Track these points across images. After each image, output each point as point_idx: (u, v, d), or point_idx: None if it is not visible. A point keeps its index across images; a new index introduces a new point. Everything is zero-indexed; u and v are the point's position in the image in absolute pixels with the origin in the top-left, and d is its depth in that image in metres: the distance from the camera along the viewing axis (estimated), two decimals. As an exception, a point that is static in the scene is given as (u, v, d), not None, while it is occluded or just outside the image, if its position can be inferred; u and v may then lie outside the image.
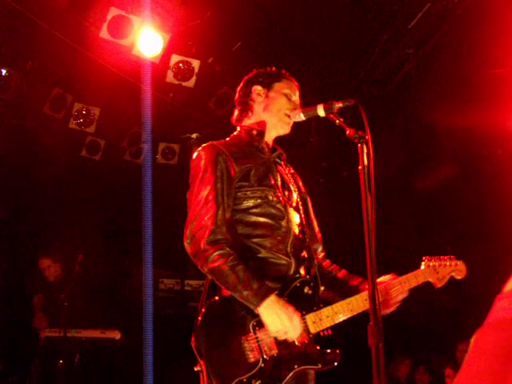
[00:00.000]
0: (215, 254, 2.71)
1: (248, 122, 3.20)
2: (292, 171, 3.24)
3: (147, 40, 6.06)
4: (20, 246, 7.43)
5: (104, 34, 5.94)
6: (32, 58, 6.58)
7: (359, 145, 2.54)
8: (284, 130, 3.17)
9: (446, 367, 6.53)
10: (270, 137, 3.19)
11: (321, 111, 2.83)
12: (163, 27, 6.12)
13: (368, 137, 2.55)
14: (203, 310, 2.71)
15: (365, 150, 2.53)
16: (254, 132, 3.12)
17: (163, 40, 6.15)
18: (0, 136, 7.22)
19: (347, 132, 2.62)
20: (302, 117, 3.01)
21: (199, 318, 2.68)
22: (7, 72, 6.55)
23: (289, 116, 3.10)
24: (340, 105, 2.79)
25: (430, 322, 7.50)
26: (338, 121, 2.75)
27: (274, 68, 3.29)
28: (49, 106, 6.98)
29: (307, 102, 3.13)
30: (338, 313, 2.82)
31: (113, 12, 5.90)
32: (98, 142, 7.72)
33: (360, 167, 2.50)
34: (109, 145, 7.84)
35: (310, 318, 2.79)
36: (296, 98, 3.21)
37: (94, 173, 7.88)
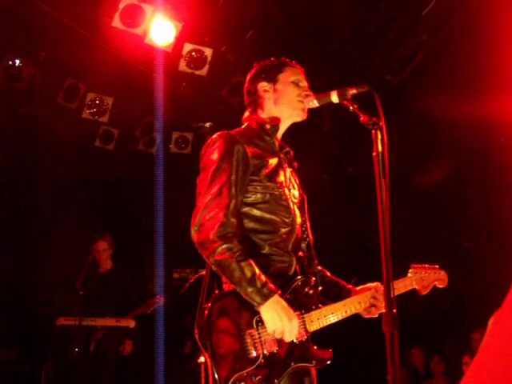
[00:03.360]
0: (223, 246, 2.70)
1: (261, 115, 3.15)
2: (295, 169, 3.20)
3: (159, 29, 6.05)
4: (34, 236, 7.47)
5: (116, 23, 5.94)
6: (45, 49, 6.59)
7: (373, 131, 2.52)
8: (300, 116, 3.11)
9: (462, 355, 6.51)
10: (283, 129, 3.16)
11: (334, 97, 2.81)
12: (175, 16, 6.10)
13: (382, 123, 2.53)
14: (209, 303, 2.70)
15: (379, 137, 2.51)
16: (268, 126, 3.07)
17: (175, 29, 6.14)
18: (14, 126, 7.26)
19: (361, 118, 2.61)
20: (315, 103, 2.98)
21: (206, 312, 2.68)
22: (21, 62, 6.57)
23: (302, 101, 3.06)
24: (354, 91, 2.77)
25: (445, 311, 7.47)
26: (351, 107, 2.73)
27: (273, 58, 3.22)
28: (62, 95, 7.00)
29: (321, 90, 3.08)
30: (335, 313, 2.89)
31: (125, 1, 5.89)
32: (111, 131, 7.74)
33: (374, 154, 2.48)
34: (122, 134, 7.86)
35: (308, 317, 2.82)
36: (304, 82, 3.15)
37: (108, 162, 7.90)
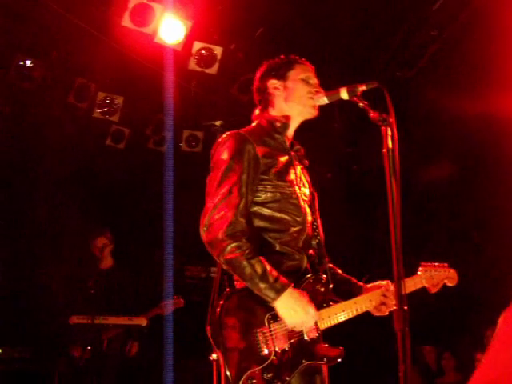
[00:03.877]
0: (233, 245, 2.71)
1: (271, 113, 3.15)
2: (306, 166, 3.20)
3: (169, 27, 6.06)
4: (43, 234, 7.49)
5: (126, 22, 5.95)
6: (56, 49, 6.62)
7: (383, 127, 2.52)
8: (311, 113, 3.10)
9: (476, 352, 6.48)
10: (293, 127, 3.15)
11: (344, 94, 2.81)
12: (185, 14, 6.11)
13: (392, 119, 2.52)
14: (221, 301, 2.70)
15: (389, 133, 2.51)
16: (278, 124, 3.07)
17: (185, 27, 6.14)
18: (25, 126, 7.30)
19: (371, 115, 2.60)
20: (325, 100, 2.98)
21: (218, 310, 2.68)
22: (32, 63, 6.60)
23: (312, 98, 3.06)
24: (364, 87, 2.77)
25: (457, 307, 7.45)
26: (361, 104, 2.73)
27: (282, 56, 3.22)
28: (73, 95, 7.03)
29: (331, 86, 3.07)
30: (345, 311, 2.89)
31: (134, 0, 5.90)
32: (122, 130, 7.76)
33: (384, 150, 2.48)
34: (133, 133, 7.88)
35: (319, 315, 2.81)
36: (314, 79, 3.15)
37: (119, 161, 7.92)
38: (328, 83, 3.20)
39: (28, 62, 6.58)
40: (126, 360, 6.22)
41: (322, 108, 3.11)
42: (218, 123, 7.83)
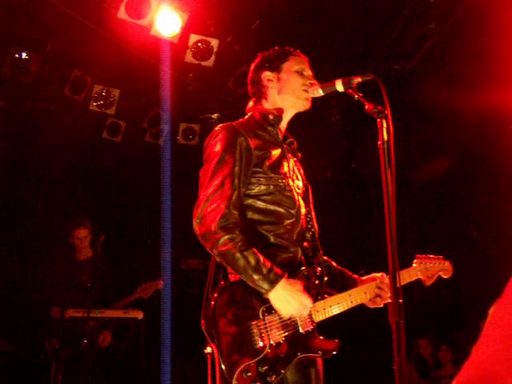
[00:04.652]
0: (225, 237, 2.70)
1: (264, 105, 3.14)
2: (299, 159, 3.19)
3: (165, 20, 6.03)
4: (39, 227, 7.48)
5: (122, 14, 5.92)
6: (51, 41, 6.59)
7: (378, 119, 2.51)
8: (304, 106, 3.10)
9: (472, 344, 6.49)
10: (286, 119, 3.14)
11: (339, 86, 2.80)
12: (181, 6, 6.08)
13: (388, 111, 2.51)
14: (215, 294, 2.69)
15: (384, 125, 2.50)
16: (271, 117, 3.06)
17: (181, 19, 6.11)
18: (21, 119, 7.28)
19: (366, 107, 2.59)
20: (320, 92, 2.97)
21: (212, 303, 2.67)
22: (27, 55, 6.57)
23: (306, 91, 3.05)
24: (359, 79, 2.76)
25: (453, 301, 7.46)
26: (356, 96, 2.72)
27: (277, 48, 3.20)
28: (69, 88, 7.00)
29: (328, 79, 3.05)
30: (340, 304, 2.88)
31: (130, -8, 5.87)
32: (118, 123, 7.73)
33: (379, 142, 2.47)
34: (129, 126, 7.85)
35: (314, 307, 2.81)
36: (308, 71, 3.14)
37: (116, 154, 7.90)
38: (324, 76, 3.18)
39: (23, 55, 6.54)
40: (109, 352, 6.20)
41: (319, 100, 3.10)
42: (214, 116, 7.81)
